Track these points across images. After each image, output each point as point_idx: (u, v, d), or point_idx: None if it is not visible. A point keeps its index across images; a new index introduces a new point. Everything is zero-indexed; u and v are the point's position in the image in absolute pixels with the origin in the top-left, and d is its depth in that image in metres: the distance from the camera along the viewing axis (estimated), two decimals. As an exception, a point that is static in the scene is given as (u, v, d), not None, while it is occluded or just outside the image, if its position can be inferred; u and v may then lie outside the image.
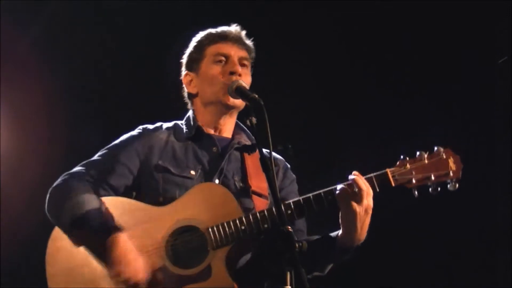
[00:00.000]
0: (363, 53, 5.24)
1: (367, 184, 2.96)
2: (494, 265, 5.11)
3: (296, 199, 3.02)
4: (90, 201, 3.03)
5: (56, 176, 3.21)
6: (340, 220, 3.00)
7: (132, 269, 2.92)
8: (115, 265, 2.92)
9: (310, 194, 2.99)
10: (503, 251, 5.07)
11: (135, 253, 2.94)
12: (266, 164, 2.68)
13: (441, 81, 5.11)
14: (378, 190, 2.99)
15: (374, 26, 5.21)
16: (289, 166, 3.38)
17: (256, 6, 5.16)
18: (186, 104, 3.40)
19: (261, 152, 2.73)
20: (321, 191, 3.00)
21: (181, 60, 3.38)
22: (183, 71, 3.36)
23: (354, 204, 2.93)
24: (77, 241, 3.02)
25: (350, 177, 2.97)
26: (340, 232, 3.03)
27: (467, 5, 4.96)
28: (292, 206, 2.99)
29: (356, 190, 2.93)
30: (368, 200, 2.94)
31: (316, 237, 3.17)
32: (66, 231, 3.04)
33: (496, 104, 5.11)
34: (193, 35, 3.39)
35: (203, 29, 3.38)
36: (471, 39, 5.05)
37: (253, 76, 3.32)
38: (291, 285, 2.49)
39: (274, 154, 3.29)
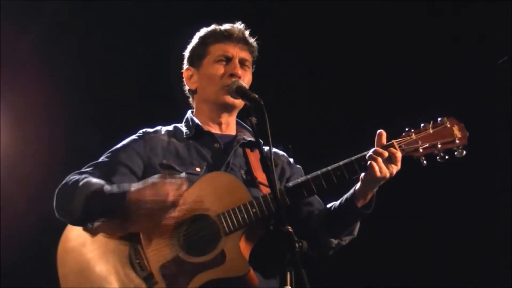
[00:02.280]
0: (363, 53, 5.24)
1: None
2: (495, 265, 5.11)
3: (324, 169, 3.01)
4: (99, 181, 3.03)
5: (56, 176, 3.21)
6: (362, 182, 3.01)
7: (167, 188, 2.88)
8: (154, 199, 2.88)
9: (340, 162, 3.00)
10: (504, 251, 5.07)
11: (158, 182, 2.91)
12: (267, 164, 2.68)
13: (441, 81, 5.11)
14: None
15: (374, 26, 5.21)
16: (291, 159, 3.39)
17: (257, 5, 5.17)
18: (187, 105, 3.41)
19: (261, 153, 2.74)
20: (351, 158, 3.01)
21: (184, 53, 3.39)
22: (185, 65, 3.38)
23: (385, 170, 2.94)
24: (97, 216, 2.98)
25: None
26: (355, 192, 3.04)
27: (468, 5, 4.97)
28: (322, 178, 2.98)
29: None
30: (397, 167, 2.97)
31: (332, 204, 3.17)
32: (82, 217, 3.00)
33: (496, 104, 5.11)
34: (195, 33, 3.40)
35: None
36: (471, 39, 5.05)
37: (254, 75, 3.33)
38: (291, 285, 2.49)
39: (276, 150, 3.33)
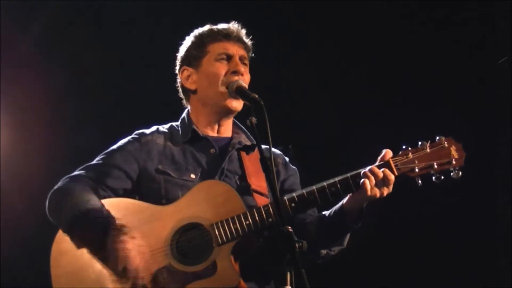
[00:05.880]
0: (364, 53, 5.24)
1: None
2: (495, 266, 5.11)
3: (319, 184, 2.99)
4: (90, 200, 3.03)
5: (56, 176, 3.21)
6: (350, 197, 3.01)
7: (133, 268, 2.91)
8: (116, 263, 2.92)
9: (325, 182, 2.99)
10: (504, 251, 5.07)
11: (135, 251, 2.93)
12: (267, 164, 2.68)
13: (440, 82, 5.11)
14: None
15: (375, 27, 5.21)
16: (287, 159, 3.38)
17: (257, 5, 5.17)
18: (183, 105, 3.40)
19: (261, 153, 2.73)
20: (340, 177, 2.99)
21: (177, 54, 3.36)
22: (180, 65, 3.34)
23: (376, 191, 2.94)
24: (79, 242, 3.01)
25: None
26: (344, 203, 3.04)
27: (468, 5, 4.97)
28: (316, 193, 2.98)
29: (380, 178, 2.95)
30: (388, 189, 2.97)
31: (324, 213, 3.15)
32: (67, 231, 3.03)
33: (496, 103, 5.11)
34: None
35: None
36: (472, 38, 5.05)
37: (253, 74, 3.32)
38: (291, 285, 2.49)
39: (273, 149, 3.30)
